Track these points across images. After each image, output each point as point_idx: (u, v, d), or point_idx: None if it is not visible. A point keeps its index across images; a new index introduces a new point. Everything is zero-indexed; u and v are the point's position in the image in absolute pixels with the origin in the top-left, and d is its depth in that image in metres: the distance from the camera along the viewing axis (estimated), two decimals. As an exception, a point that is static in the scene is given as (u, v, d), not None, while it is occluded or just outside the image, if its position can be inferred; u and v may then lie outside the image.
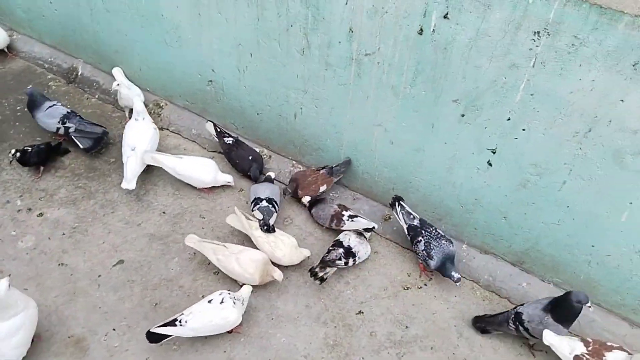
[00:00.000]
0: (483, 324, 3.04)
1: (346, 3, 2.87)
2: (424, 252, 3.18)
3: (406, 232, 3.30)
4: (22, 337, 2.63)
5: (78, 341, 2.85)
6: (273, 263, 3.14)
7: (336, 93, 3.28)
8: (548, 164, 2.77)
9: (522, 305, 2.92)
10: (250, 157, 3.75)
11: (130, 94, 4.01)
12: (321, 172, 3.58)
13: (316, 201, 3.54)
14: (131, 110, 3.95)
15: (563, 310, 2.72)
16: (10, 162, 3.68)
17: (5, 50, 4.64)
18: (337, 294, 3.18)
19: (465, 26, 2.58)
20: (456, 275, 3.13)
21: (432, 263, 3.16)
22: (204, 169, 3.60)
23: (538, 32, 2.43)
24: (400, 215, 3.33)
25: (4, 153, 3.84)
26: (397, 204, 3.37)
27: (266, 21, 3.24)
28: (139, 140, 3.64)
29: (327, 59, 3.16)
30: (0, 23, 4.68)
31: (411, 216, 3.32)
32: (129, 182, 3.53)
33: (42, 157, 3.69)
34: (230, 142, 3.79)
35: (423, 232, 3.23)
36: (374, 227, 3.33)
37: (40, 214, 3.47)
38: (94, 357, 2.78)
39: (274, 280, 3.07)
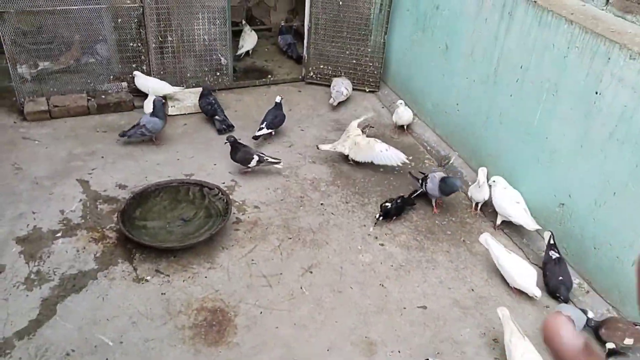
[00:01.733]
0: None
1: None
2: None
3: None
4: None
5: (370, 344, 3.73)
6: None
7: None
8: None
9: None
10: (561, 278, 4.13)
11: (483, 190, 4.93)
12: (638, 327, 3.68)
13: (617, 352, 3.63)
14: (476, 204, 4.99)
15: None
16: (377, 220, 4.85)
17: (404, 127, 6.24)
18: None
19: None
20: None
21: None
22: (522, 272, 4.14)
23: None
24: None
25: (375, 194, 5.19)
26: None
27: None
28: (517, 196, 4.66)
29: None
30: (411, 108, 6.31)
31: None
32: (528, 224, 4.53)
33: (398, 211, 4.89)
34: (554, 257, 4.24)
35: None
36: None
37: (382, 244, 4.62)
38: (378, 361, 3.61)
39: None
